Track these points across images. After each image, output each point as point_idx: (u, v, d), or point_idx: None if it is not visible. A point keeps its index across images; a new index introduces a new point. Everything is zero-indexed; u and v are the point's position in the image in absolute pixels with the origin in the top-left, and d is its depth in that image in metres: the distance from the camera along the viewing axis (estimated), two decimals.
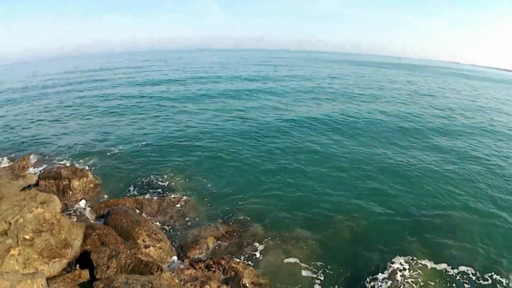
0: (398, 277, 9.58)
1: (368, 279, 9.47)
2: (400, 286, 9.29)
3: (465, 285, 9.64)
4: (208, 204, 12.73)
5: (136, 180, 14.30)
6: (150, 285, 6.41)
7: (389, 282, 9.36)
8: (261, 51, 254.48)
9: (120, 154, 17.38)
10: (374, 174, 16.21)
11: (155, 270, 7.35)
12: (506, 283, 9.75)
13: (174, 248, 9.82)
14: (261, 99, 33.24)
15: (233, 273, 8.55)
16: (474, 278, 9.92)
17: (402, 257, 10.43)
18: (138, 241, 8.86)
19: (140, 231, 9.18)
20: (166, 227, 11.01)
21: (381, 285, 9.28)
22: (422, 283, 9.47)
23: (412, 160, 17.99)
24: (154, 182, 14.13)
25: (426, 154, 19.07)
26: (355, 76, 59.81)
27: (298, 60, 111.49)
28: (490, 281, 9.82)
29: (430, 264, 10.25)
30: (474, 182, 15.85)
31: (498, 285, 9.69)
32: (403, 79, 60.27)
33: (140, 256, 8.04)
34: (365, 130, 23.03)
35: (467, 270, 10.19)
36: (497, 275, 10.02)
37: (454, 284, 9.61)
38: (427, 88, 48.48)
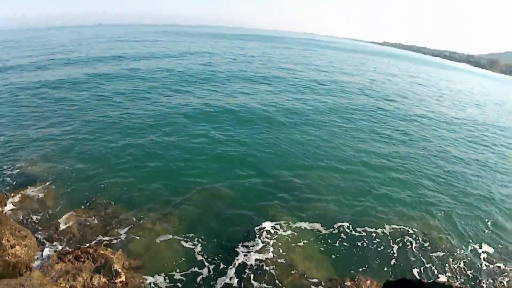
0: (268, 239, 10.22)
1: (239, 245, 10.07)
2: (270, 248, 9.87)
3: (341, 238, 10.56)
4: (68, 190, 12.45)
5: None
6: None
7: (260, 245, 9.99)
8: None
9: None
10: (233, 140, 17.10)
11: (24, 270, 7.80)
12: (382, 232, 10.99)
13: (40, 243, 9.86)
14: (112, 77, 32.10)
15: (103, 261, 9.12)
16: (348, 231, 10.90)
17: (271, 222, 11.04)
18: (3, 241, 8.83)
19: (3, 231, 9.06)
20: (28, 221, 10.72)
21: (252, 249, 9.89)
22: (295, 243, 10.19)
23: (269, 118, 20.69)
24: (8, 173, 13.07)
25: (284, 119, 21.81)
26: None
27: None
28: (364, 234, 10.95)
29: (302, 225, 10.98)
30: (330, 142, 18.11)
31: (373, 235, 10.86)
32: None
33: (7, 258, 8.24)
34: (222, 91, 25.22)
35: (341, 226, 11.12)
36: (370, 227, 11.23)
37: (329, 240, 10.47)
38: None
